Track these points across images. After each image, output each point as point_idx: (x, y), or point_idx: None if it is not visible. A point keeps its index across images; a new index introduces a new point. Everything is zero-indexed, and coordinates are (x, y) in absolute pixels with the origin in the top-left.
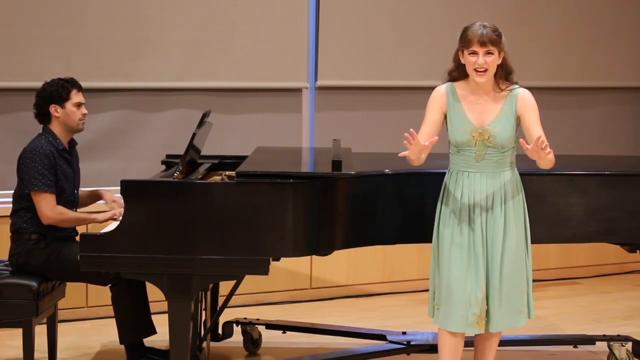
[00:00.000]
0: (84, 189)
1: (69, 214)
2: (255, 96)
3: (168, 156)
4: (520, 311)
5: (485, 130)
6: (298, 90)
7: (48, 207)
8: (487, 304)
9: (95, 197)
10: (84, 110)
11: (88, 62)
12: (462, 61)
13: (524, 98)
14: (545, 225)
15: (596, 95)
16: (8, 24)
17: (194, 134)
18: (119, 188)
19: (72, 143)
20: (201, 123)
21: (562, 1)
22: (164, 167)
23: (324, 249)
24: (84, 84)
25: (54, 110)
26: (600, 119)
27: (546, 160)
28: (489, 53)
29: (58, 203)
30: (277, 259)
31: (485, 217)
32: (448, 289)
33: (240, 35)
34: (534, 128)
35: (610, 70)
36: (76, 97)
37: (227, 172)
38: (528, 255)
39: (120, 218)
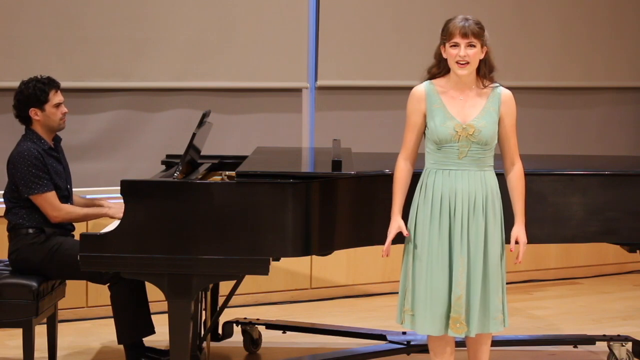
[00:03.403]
0: (82, 196)
1: (76, 211)
2: (255, 96)
3: (168, 156)
4: (496, 317)
5: (470, 125)
6: (298, 90)
7: (53, 208)
8: (468, 307)
9: (95, 206)
10: (63, 109)
11: (88, 62)
12: (444, 55)
13: (508, 100)
14: (545, 225)
15: (596, 95)
16: (8, 24)
17: (194, 134)
18: (119, 188)
19: (57, 140)
20: (201, 123)
21: (562, 1)
22: (164, 167)
23: (323, 249)
24: (83, 84)
25: (34, 113)
26: (600, 119)
27: None
28: (471, 45)
29: None
30: (277, 259)
31: (467, 217)
32: (428, 292)
33: (240, 35)
34: (510, 137)
35: (610, 70)
36: (55, 97)
37: (227, 172)
38: (503, 260)
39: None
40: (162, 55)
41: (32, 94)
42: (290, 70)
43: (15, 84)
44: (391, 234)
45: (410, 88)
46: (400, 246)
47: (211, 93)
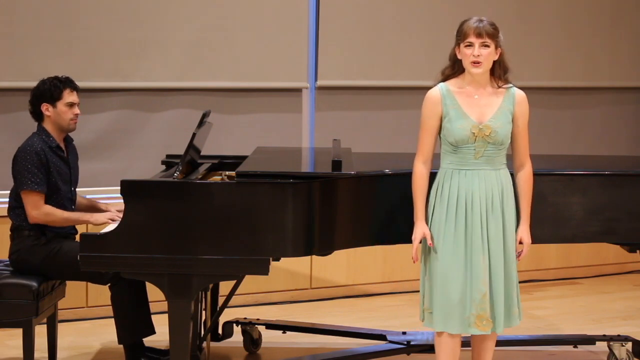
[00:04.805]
0: (83, 196)
1: (56, 213)
2: (255, 96)
3: (168, 156)
4: (514, 311)
5: (487, 126)
6: (298, 90)
7: (33, 207)
8: (492, 304)
9: (94, 208)
10: (76, 110)
11: (88, 62)
12: (459, 56)
13: (523, 101)
14: (545, 225)
15: (597, 95)
16: (8, 24)
17: (194, 134)
18: (119, 188)
19: (68, 140)
20: (201, 123)
21: (564, 1)
22: (164, 167)
23: (323, 249)
24: (83, 84)
25: (45, 109)
26: (601, 119)
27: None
28: (485, 45)
29: (53, 201)
30: (277, 259)
31: (485, 216)
32: (445, 290)
33: (240, 35)
34: (522, 137)
35: (611, 70)
36: (69, 96)
37: (227, 172)
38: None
39: (118, 220)
40: (162, 55)
41: (47, 90)
42: (290, 70)
43: (16, 84)
44: (416, 240)
45: (410, 88)
46: (401, 247)
47: (211, 93)
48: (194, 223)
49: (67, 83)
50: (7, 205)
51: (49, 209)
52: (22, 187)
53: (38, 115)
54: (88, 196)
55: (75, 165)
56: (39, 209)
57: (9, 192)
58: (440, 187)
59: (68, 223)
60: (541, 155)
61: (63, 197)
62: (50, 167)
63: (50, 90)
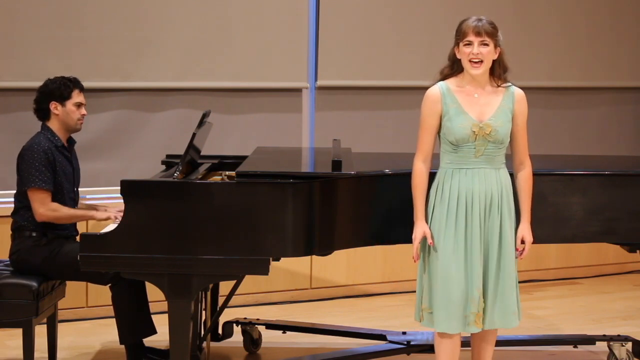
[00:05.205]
0: (82, 196)
1: (62, 210)
2: (255, 96)
3: (168, 156)
4: (513, 312)
5: (487, 124)
6: (298, 90)
7: (41, 204)
8: (484, 302)
9: (93, 210)
10: (83, 111)
11: (88, 62)
12: (458, 55)
13: (522, 100)
14: (545, 225)
15: (596, 95)
16: (8, 24)
17: (194, 134)
18: (119, 188)
19: (71, 141)
20: (201, 123)
21: (562, 1)
22: (164, 167)
23: (323, 249)
24: (84, 84)
25: (54, 107)
26: (600, 119)
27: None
28: (484, 44)
29: (58, 200)
30: (277, 259)
31: (484, 215)
32: (447, 290)
33: (240, 35)
34: (521, 136)
35: (610, 70)
36: (77, 97)
37: (227, 172)
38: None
39: (119, 219)
40: (162, 55)
41: (57, 88)
42: (290, 70)
43: (16, 84)
44: (417, 239)
45: (410, 88)
46: (401, 247)
47: (211, 93)
48: (194, 223)
49: (76, 83)
50: (7, 205)
51: (56, 205)
52: (29, 185)
53: (44, 114)
54: (88, 196)
55: (78, 167)
56: (46, 206)
57: (9, 191)
58: (440, 186)
59: (73, 219)
60: (541, 155)
61: (66, 196)
62: (56, 166)
63: (60, 89)
